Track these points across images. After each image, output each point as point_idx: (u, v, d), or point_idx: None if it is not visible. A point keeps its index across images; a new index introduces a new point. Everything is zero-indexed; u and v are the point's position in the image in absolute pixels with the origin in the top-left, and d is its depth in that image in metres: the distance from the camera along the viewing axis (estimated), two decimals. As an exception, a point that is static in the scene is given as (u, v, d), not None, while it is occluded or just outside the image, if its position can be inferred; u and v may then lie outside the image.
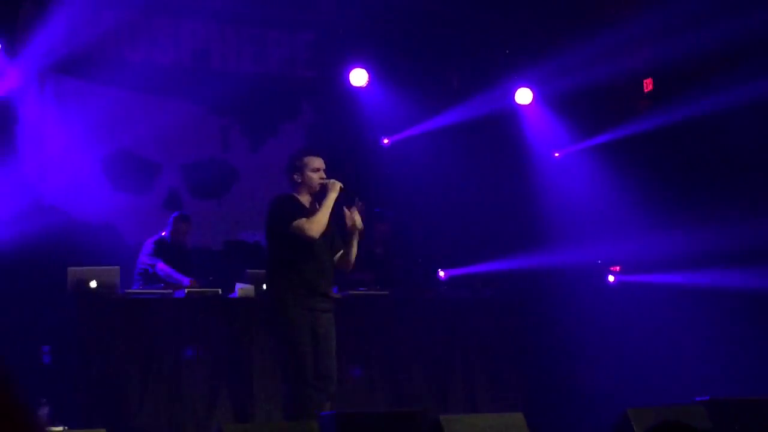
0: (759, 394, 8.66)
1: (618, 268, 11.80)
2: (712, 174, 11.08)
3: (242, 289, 8.78)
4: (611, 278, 11.76)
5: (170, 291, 8.77)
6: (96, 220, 10.79)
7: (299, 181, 7.27)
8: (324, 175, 7.28)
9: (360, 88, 11.58)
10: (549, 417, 9.83)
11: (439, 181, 11.67)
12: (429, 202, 11.53)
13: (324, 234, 7.24)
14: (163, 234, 9.86)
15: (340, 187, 7.19)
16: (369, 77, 11.51)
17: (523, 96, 12.00)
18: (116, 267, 8.63)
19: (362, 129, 11.77)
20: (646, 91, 11.98)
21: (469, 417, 7.69)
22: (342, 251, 7.40)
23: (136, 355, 8.36)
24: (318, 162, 7.31)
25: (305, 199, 7.28)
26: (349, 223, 7.29)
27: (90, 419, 7.73)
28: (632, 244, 11.24)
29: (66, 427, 7.18)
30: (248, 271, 9.03)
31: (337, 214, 7.28)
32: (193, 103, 11.33)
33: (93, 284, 8.41)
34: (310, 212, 7.18)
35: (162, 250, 9.70)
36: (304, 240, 7.08)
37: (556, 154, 12.29)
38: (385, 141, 11.97)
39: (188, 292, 8.70)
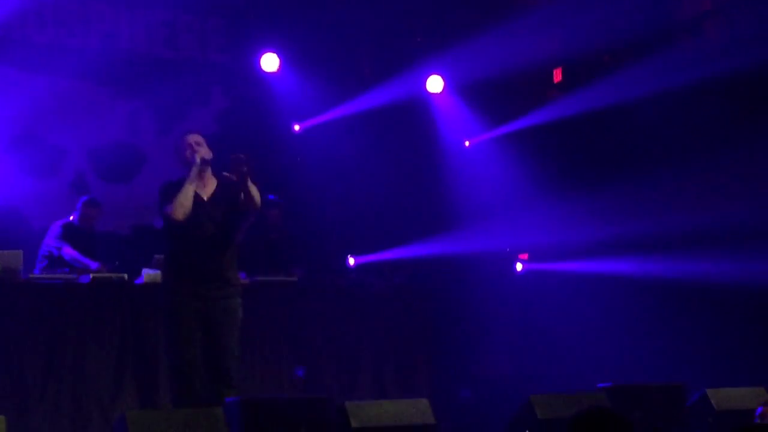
0: (660, 380, 8.82)
1: (526, 255, 11.93)
2: (618, 164, 11.24)
3: (149, 274, 8.69)
4: (519, 266, 11.88)
5: (75, 276, 8.65)
6: (0, 204, 10.60)
7: (181, 163, 7.07)
8: (196, 150, 7.02)
9: (271, 73, 11.52)
10: (455, 403, 9.92)
11: (350, 168, 11.68)
12: (339, 188, 11.53)
13: (213, 210, 7.02)
14: (71, 218, 9.73)
15: (201, 159, 6.95)
16: (280, 62, 11.46)
17: (435, 84, 12.04)
18: (19, 251, 8.48)
19: (273, 115, 11.72)
20: (555, 81, 12.11)
21: (374, 403, 7.71)
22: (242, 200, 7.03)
23: (39, 342, 8.23)
24: (191, 138, 7.10)
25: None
26: (233, 177, 6.99)
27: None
28: (540, 232, 11.37)
29: (-35, 415, 7.03)
30: (156, 256, 8.92)
31: (226, 185, 7.05)
32: (101, 85, 11.18)
33: (-6, 268, 8.28)
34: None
35: (69, 234, 9.57)
36: (173, 224, 6.88)
37: (467, 143, 12.37)
38: (296, 127, 11.94)
39: (93, 277, 8.59)
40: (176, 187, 6.96)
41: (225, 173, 7.05)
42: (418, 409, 7.52)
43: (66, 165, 11.19)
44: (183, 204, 6.83)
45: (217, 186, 7.11)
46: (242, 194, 6.93)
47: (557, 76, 12.03)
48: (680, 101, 10.66)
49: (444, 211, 11.83)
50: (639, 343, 10.74)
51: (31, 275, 8.56)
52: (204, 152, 7.03)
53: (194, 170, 6.92)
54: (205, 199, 7.06)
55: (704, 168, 10.40)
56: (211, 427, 6.83)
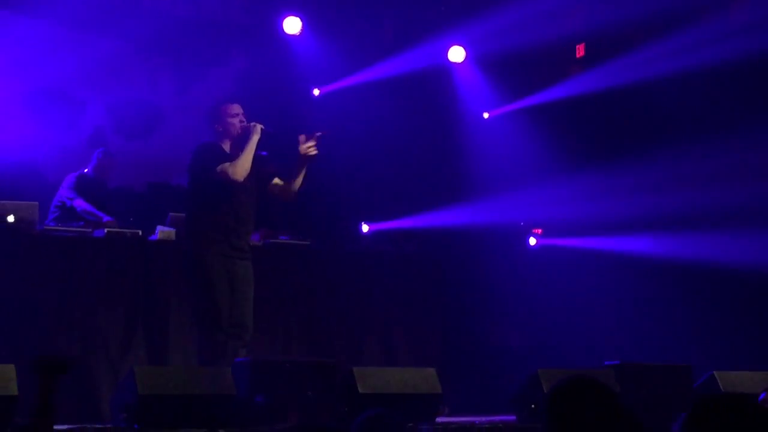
0: (668, 360, 8.83)
1: (540, 230, 11.91)
2: (637, 142, 11.20)
3: (163, 231, 8.71)
4: (533, 240, 11.86)
5: (90, 229, 8.66)
6: (17, 156, 10.61)
7: (220, 130, 7.41)
8: (243, 120, 7.44)
9: (293, 36, 11.48)
10: (462, 373, 9.93)
11: (368, 135, 11.65)
12: (356, 155, 11.50)
13: (247, 180, 7.30)
14: (86, 170, 9.75)
15: (261, 128, 7.35)
16: (303, 26, 11.42)
17: (456, 54, 11.99)
18: (35, 203, 8.51)
19: (293, 78, 11.68)
20: (578, 56, 12.05)
21: (382, 370, 7.75)
22: (283, 181, 7.52)
23: (51, 293, 8.26)
24: (236, 108, 7.48)
25: (227, 146, 7.42)
26: (301, 149, 7.41)
27: (0, 355, 7.63)
28: (555, 208, 11.34)
29: (-25, 362, 7.07)
30: (171, 214, 8.96)
31: (259, 158, 7.40)
32: (122, 40, 11.16)
33: (11, 219, 8.30)
34: (233, 157, 7.28)
35: (83, 185, 9.59)
36: (227, 183, 7.19)
37: (486, 115, 12.32)
38: (316, 92, 11.90)
39: (108, 231, 8.61)
40: (217, 149, 7.34)
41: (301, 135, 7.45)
42: (425, 378, 7.55)
43: (84, 119, 11.19)
44: (245, 166, 7.24)
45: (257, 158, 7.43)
46: (294, 177, 7.45)
47: (580, 51, 11.97)
48: (702, 80, 10.61)
49: (459, 182, 11.81)
50: (649, 323, 10.74)
51: (46, 227, 8.58)
52: (259, 124, 7.39)
53: (255, 138, 7.31)
54: None
55: (722, 148, 10.36)
56: (219, 385, 6.87)
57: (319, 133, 7.49)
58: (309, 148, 7.46)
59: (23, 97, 10.69)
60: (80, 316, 8.33)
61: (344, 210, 11.46)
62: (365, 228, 11.31)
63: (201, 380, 6.97)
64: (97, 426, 6.87)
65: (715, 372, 8.24)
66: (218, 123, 7.44)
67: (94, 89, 11.13)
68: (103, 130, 11.27)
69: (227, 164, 7.22)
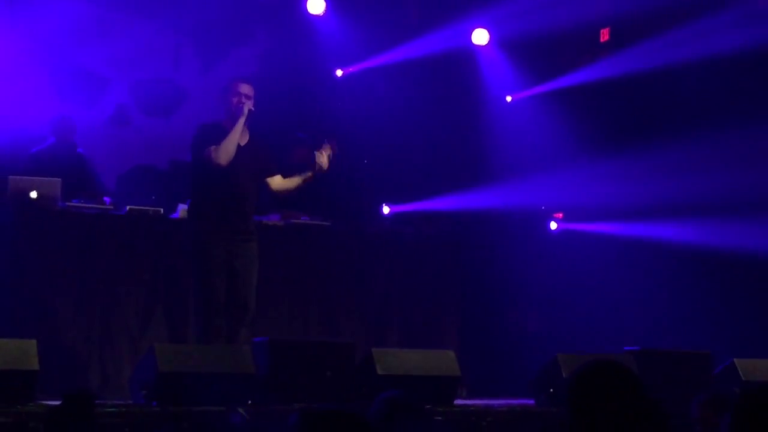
0: (689, 347, 8.80)
1: (561, 215, 11.89)
2: (660, 128, 11.15)
3: (184, 210, 8.70)
4: (554, 225, 11.84)
5: (111, 207, 8.69)
6: (40, 132, 10.63)
7: (226, 108, 7.45)
8: (244, 101, 7.40)
9: (317, 16, 11.46)
10: (481, 356, 9.94)
11: (391, 117, 11.63)
12: (378, 137, 11.49)
13: (246, 160, 7.34)
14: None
15: (250, 109, 7.33)
16: (326, 6, 11.39)
17: (480, 37, 11.95)
18: (57, 179, 8.52)
19: (316, 58, 11.67)
20: (602, 40, 11.99)
21: (401, 351, 7.76)
22: (285, 178, 7.61)
23: (72, 269, 8.30)
24: (244, 88, 7.48)
25: (230, 125, 7.39)
26: (318, 159, 7.50)
27: (21, 330, 7.67)
28: (576, 192, 11.31)
29: (-4, 337, 7.12)
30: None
31: (269, 145, 7.58)
32: (146, 19, 11.16)
33: (33, 195, 8.32)
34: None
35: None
36: (213, 167, 7.20)
37: (509, 98, 12.29)
38: (339, 73, 11.89)
39: (130, 209, 8.64)
40: (215, 130, 7.33)
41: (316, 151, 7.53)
42: (444, 360, 7.55)
43: (107, 97, 11.21)
44: (228, 149, 7.21)
45: (249, 138, 7.48)
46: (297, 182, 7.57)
47: (604, 35, 11.91)
48: (726, 65, 10.54)
49: (481, 165, 11.78)
50: (670, 309, 10.70)
51: (68, 203, 8.59)
52: (250, 105, 7.39)
53: (242, 120, 7.29)
54: (241, 145, 7.40)
55: (746, 134, 10.30)
56: (238, 364, 6.89)
57: (328, 144, 7.53)
58: (322, 162, 7.45)
59: (47, 75, 10.72)
60: (101, 293, 8.36)
61: (365, 191, 11.45)
62: (386, 210, 11.30)
63: (220, 358, 6.99)
64: (118, 402, 6.90)
65: (735, 359, 8.21)
66: (225, 99, 7.47)
67: (117, 67, 11.14)
68: (125, 108, 11.29)
69: (212, 147, 7.21)
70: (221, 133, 7.32)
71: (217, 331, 7.31)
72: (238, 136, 7.28)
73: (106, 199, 8.91)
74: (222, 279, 7.32)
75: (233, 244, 7.35)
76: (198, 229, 7.36)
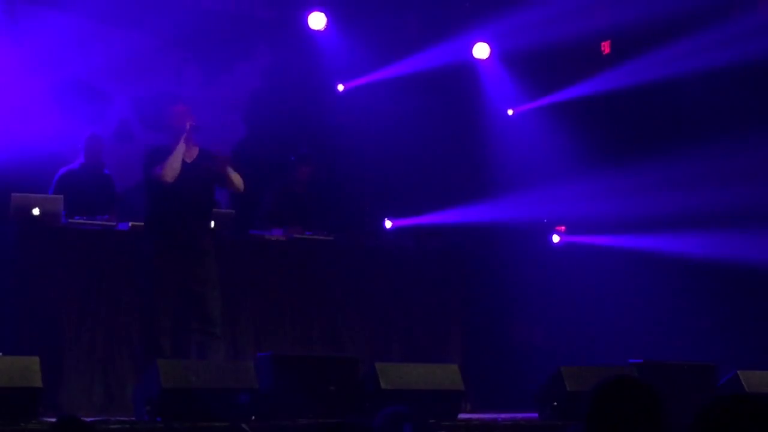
0: (692, 359, 8.80)
1: (563, 227, 11.89)
2: (662, 140, 11.16)
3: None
4: (556, 238, 11.84)
5: (114, 223, 8.69)
6: (43, 148, 10.64)
7: (169, 132, 7.77)
8: (188, 121, 7.71)
9: (318, 31, 11.49)
10: (484, 370, 9.93)
11: (392, 131, 11.64)
12: (380, 151, 11.50)
13: (196, 173, 7.61)
14: (74, 165, 9.53)
15: (190, 125, 7.64)
16: (327, 21, 11.42)
17: (481, 51, 11.97)
18: (60, 196, 8.54)
19: (318, 73, 11.68)
20: (604, 53, 12.01)
21: (404, 366, 7.76)
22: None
23: (75, 286, 8.30)
24: (179, 109, 7.85)
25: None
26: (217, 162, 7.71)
27: (24, 347, 7.67)
28: (578, 205, 11.31)
29: (0, 353, 7.13)
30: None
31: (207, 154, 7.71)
32: (148, 34, 11.18)
33: (36, 212, 8.33)
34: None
35: (68, 183, 9.30)
36: (161, 184, 7.50)
37: (510, 111, 12.30)
38: (340, 87, 11.90)
39: (132, 225, 8.64)
40: (163, 151, 7.63)
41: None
42: (447, 374, 7.56)
43: (110, 112, 11.22)
44: (173, 167, 7.51)
45: (198, 153, 7.76)
46: (224, 180, 7.73)
47: (605, 48, 11.92)
48: (728, 77, 10.55)
49: (483, 178, 11.79)
50: (673, 321, 10.69)
51: (70, 220, 8.59)
52: (191, 121, 7.72)
53: (183, 136, 7.60)
54: (189, 162, 7.68)
55: (749, 146, 10.31)
56: (241, 379, 6.90)
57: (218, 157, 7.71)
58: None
59: (50, 90, 10.72)
60: (104, 309, 8.36)
61: (368, 206, 11.46)
62: (388, 224, 11.31)
63: (224, 374, 7.00)
64: (121, 419, 6.90)
65: (738, 371, 8.21)
66: (165, 123, 7.82)
67: (120, 82, 11.15)
68: (128, 123, 11.30)
69: (158, 166, 7.52)
70: (167, 153, 7.62)
71: (160, 352, 7.42)
72: (181, 153, 7.55)
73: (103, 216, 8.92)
74: (170, 300, 7.55)
75: (187, 262, 7.57)
76: (151, 249, 7.60)
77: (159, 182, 7.50)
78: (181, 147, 7.55)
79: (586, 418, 3.15)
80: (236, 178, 7.69)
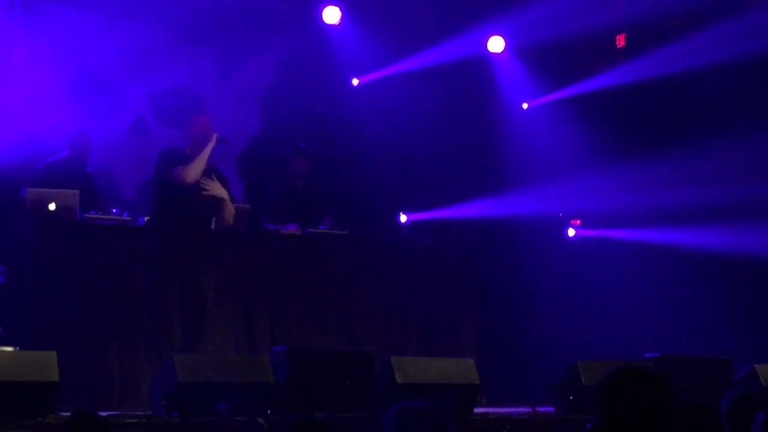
0: (709, 353, 8.78)
1: (578, 221, 11.87)
2: (677, 133, 11.13)
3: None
4: (571, 231, 11.82)
5: (129, 219, 8.71)
6: (59, 144, 10.67)
7: (188, 137, 8.14)
8: (208, 131, 8.12)
9: (332, 26, 11.49)
10: (500, 364, 9.92)
11: (406, 125, 11.64)
12: (394, 145, 11.50)
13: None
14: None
15: (216, 137, 8.05)
16: (342, 15, 11.42)
17: (496, 44, 11.95)
18: (76, 191, 8.55)
19: (332, 67, 11.69)
20: (618, 46, 11.98)
21: (419, 360, 7.76)
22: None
23: (91, 281, 8.32)
24: (204, 120, 8.25)
25: (190, 152, 8.09)
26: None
27: (42, 342, 7.70)
28: (593, 199, 11.29)
29: (17, 348, 7.15)
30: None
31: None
32: (164, 29, 11.20)
33: (51, 207, 8.35)
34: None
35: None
36: (179, 185, 7.88)
37: (525, 105, 12.28)
38: (355, 81, 11.90)
39: (148, 220, 8.66)
40: (178, 153, 8.05)
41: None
42: (463, 368, 7.55)
43: (126, 108, 11.25)
44: (196, 169, 7.96)
45: (207, 168, 8.13)
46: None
47: (620, 41, 11.89)
48: (743, 71, 10.52)
49: (498, 172, 11.78)
50: (689, 315, 10.67)
51: (86, 215, 8.61)
52: (217, 134, 8.14)
53: (211, 144, 8.03)
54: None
55: (765, 139, 10.27)
56: (257, 373, 6.90)
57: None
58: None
59: (66, 86, 10.75)
60: (120, 303, 8.38)
61: (383, 200, 11.45)
62: (403, 218, 11.30)
63: (240, 368, 7.00)
64: (138, 413, 6.92)
65: (755, 365, 8.18)
66: (189, 130, 8.15)
67: (135, 78, 11.18)
68: (144, 118, 11.33)
69: (181, 167, 7.91)
70: (183, 156, 7.99)
71: (174, 337, 7.80)
72: (206, 159, 7.99)
73: (114, 210, 8.94)
74: (174, 292, 7.85)
75: (191, 259, 7.87)
76: (155, 244, 7.90)
77: (178, 182, 7.86)
78: (206, 153, 7.98)
79: (597, 410, 3.14)
80: (229, 213, 8.17)
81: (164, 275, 7.85)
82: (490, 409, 7.98)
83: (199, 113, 8.38)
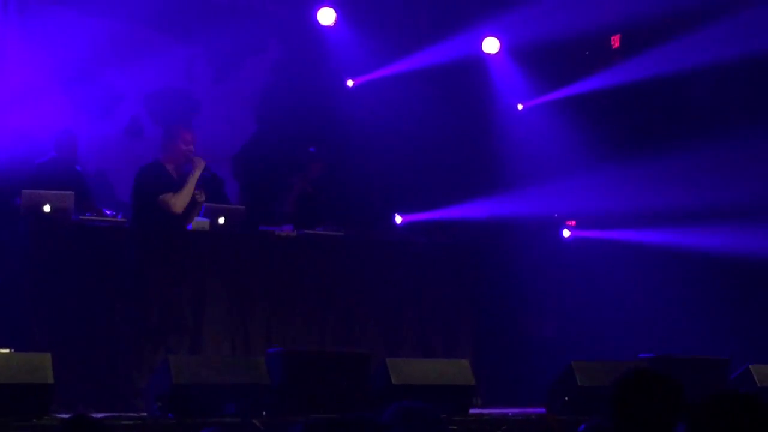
0: (704, 353, 8.79)
1: (574, 222, 11.88)
2: (672, 134, 11.14)
3: (197, 222, 8.75)
4: (566, 232, 11.83)
5: (124, 220, 8.71)
6: (52, 143, 10.67)
7: (169, 148, 8.35)
8: (192, 149, 8.34)
9: (327, 27, 11.49)
10: (495, 365, 9.92)
11: (401, 126, 11.65)
12: (390, 146, 11.50)
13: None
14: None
15: (205, 165, 8.34)
16: (337, 17, 11.42)
17: (491, 45, 11.95)
18: (71, 192, 8.54)
19: (327, 68, 11.69)
20: (613, 47, 11.99)
21: (415, 361, 7.77)
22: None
23: (86, 282, 8.31)
24: (190, 136, 8.41)
25: (170, 167, 8.29)
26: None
27: (36, 344, 7.69)
28: (589, 200, 11.30)
29: (12, 350, 7.15)
30: (205, 204, 8.99)
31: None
32: (159, 30, 11.20)
33: (46, 208, 8.33)
34: (176, 184, 8.23)
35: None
36: (167, 212, 8.13)
37: (520, 106, 12.28)
38: (350, 83, 11.91)
39: (130, 223, 8.67)
40: (160, 172, 8.30)
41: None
42: (458, 369, 7.56)
43: (121, 109, 11.24)
44: (185, 200, 8.24)
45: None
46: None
47: (615, 42, 11.90)
48: (738, 71, 10.53)
49: (493, 173, 11.78)
50: (684, 315, 10.68)
51: (81, 217, 8.61)
52: (199, 159, 8.43)
53: (197, 173, 8.31)
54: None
55: (760, 139, 10.28)
56: (252, 374, 6.91)
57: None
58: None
59: (60, 88, 10.75)
60: (115, 305, 8.37)
61: (378, 201, 11.46)
62: (399, 219, 11.31)
63: (235, 370, 7.01)
64: (133, 415, 6.91)
65: (750, 366, 8.19)
66: (170, 141, 8.33)
67: (130, 79, 11.17)
68: (139, 119, 11.32)
69: (170, 195, 8.13)
70: (166, 176, 8.23)
71: (166, 344, 7.91)
72: (192, 189, 8.25)
73: (108, 212, 8.92)
74: (156, 300, 8.02)
75: (172, 272, 8.09)
76: (134, 256, 8.07)
77: (167, 210, 8.17)
78: (194, 181, 8.24)
79: (609, 413, 3.21)
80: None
81: (145, 280, 7.95)
82: (486, 410, 7.98)
83: (185, 125, 8.51)
